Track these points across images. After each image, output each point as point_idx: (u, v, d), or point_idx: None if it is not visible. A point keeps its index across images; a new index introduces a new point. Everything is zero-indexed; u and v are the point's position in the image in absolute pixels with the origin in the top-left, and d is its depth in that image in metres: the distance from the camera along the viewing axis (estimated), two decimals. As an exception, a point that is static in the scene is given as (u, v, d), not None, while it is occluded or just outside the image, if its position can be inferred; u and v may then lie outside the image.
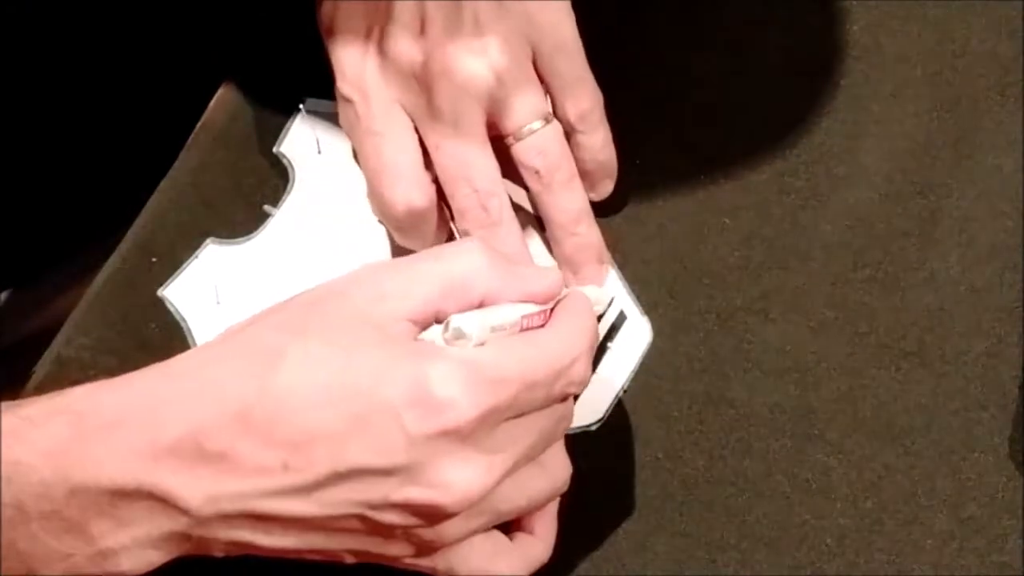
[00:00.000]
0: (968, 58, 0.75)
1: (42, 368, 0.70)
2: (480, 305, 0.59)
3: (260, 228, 0.72)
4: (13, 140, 0.82)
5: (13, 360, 0.78)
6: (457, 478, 0.56)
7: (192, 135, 0.74)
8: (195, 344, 0.70)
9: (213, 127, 0.74)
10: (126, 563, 0.56)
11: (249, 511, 0.56)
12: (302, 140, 0.73)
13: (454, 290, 0.58)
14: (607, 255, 0.70)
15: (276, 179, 0.73)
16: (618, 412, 0.69)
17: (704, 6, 0.76)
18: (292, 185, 0.72)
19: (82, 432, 0.55)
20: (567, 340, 0.60)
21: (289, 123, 0.73)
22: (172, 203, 0.72)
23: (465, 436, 0.56)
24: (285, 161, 0.73)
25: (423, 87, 0.65)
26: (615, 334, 0.70)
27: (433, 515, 0.56)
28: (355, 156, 0.71)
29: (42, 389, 0.69)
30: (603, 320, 0.70)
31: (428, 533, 0.57)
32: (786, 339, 0.70)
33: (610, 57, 0.75)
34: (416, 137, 0.67)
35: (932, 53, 0.75)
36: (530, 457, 0.59)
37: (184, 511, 0.55)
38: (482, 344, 0.57)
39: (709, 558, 0.67)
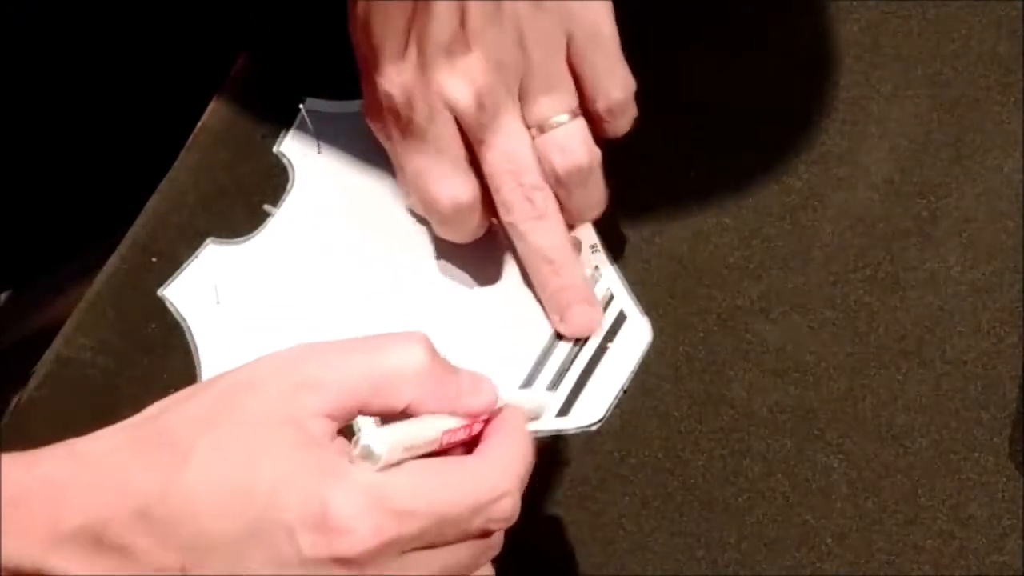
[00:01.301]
0: (968, 58, 0.75)
1: (42, 368, 0.70)
2: (406, 408, 0.56)
3: (260, 228, 0.72)
4: (13, 140, 0.82)
5: (13, 360, 0.78)
6: None
7: (192, 135, 0.74)
8: (195, 344, 0.70)
9: (213, 127, 0.74)
10: None
11: None
12: (302, 140, 0.73)
13: (381, 388, 0.55)
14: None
15: (276, 179, 0.73)
16: (618, 412, 0.69)
17: (703, 6, 0.76)
18: (292, 185, 0.72)
19: None
20: (494, 472, 0.56)
21: (289, 123, 0.73)
22: (172, 203, 0.72)
23: (362, 563, 0.53)
24: (285, 161, 0.73)
25: (464, 84, 0.65)
26: (615, 334, 0.70)
27: None
28: (352, 155, 0.71)
29: (42, 389, 0.69)
30: (603, 320, 0.70)
31: None
32: (786, 339, 0.70)
33: (610, 57, 0.75)
34: (459, 132, 0.67)
35: (932, 53, 0.75)
36: None
37: None
38: (394, 463, 0.54)
39: (709, 558, 0.67)
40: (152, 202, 0.73)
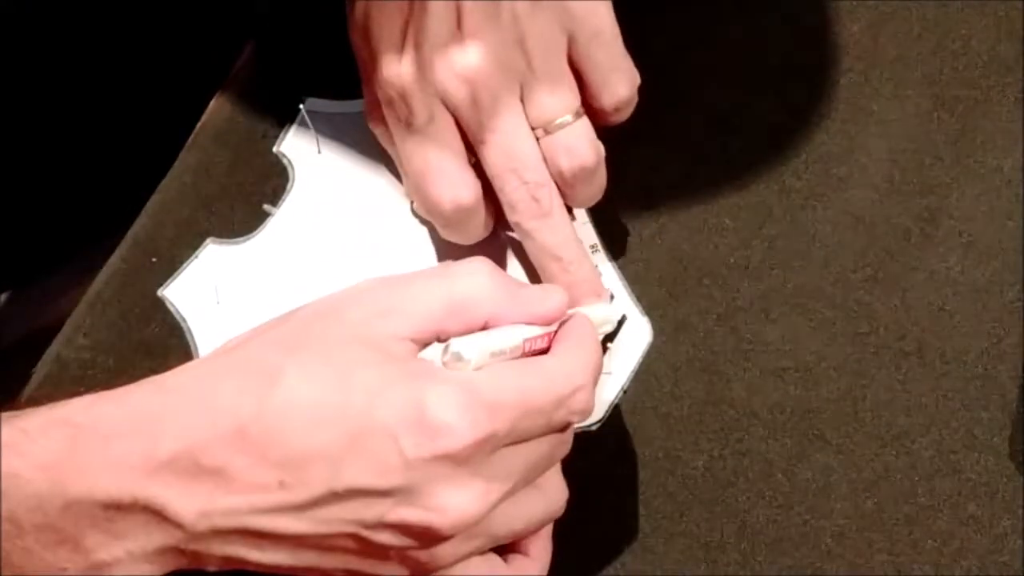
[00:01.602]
0: (968, 58, 0.75)
1: (42, 368, 0.70)
2: (484, 326, 0.59)
3: (260, 228, 0.72)
4: (13, 141, 0.82)
5: (13, 360, 0.78)
6: (452, 502, 0.56)
7: (192, 135, 0.74)
8: (195, 344, 0.70)
9: (213, 127, 0.74)
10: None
11: (243, 527, 0.56)
12: (302, 140, 0.73)
13: (458, 310, 0.58)
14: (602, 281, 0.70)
15: (276, 179, 0.72)
16: (618, 412, 0.69)
17: (704, 6, 0.76)
18: (292, 185, 0.72)
19: (78, 445, 0.55)
20: (570, 368, 0.59)
21: (289, 123, 0.73)
22: (172, 203, 0.72)
23: (462, 460, 0.55)
24: (285, 161, 0.73)
25: (462, 82, 0.65)
26: (615, 334, 0.70)
27: (427, 537, 0.56)
28: (352, 155, 0.71)
29: (42, 389, 0.69)
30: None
31: (422, 555, 0.57)
32: (786, 339, 0.70)
33: (610, 57, 0.75)
34: (459, 133, 0.67)
35: (932, 53, 0.75)
36: (527, 482, 0.59)
37: (178, 525, 0.55)
38: (481, 368, 0.57)
39: (709, 558, 0.67)
40: (152, 202, 0.73)
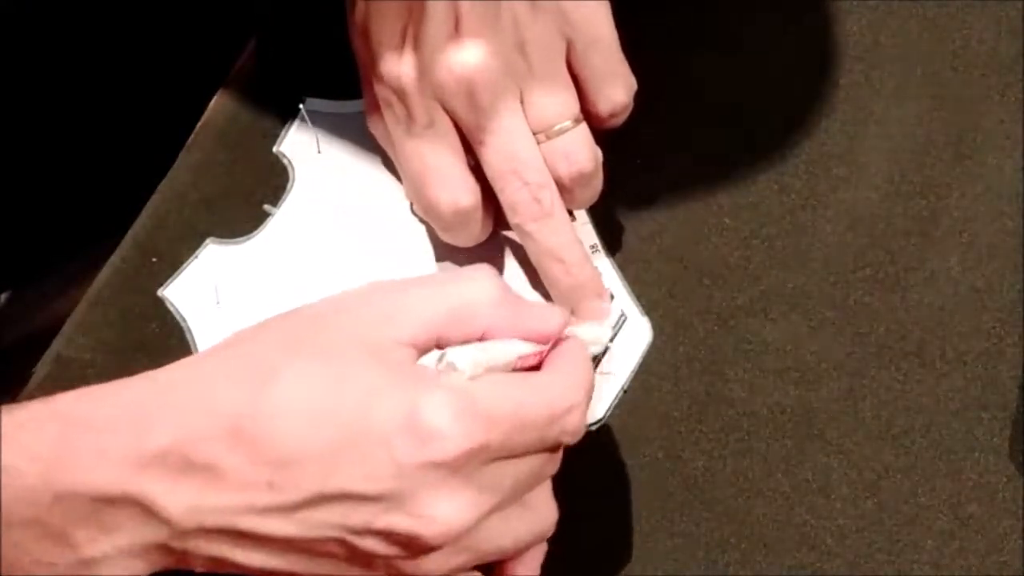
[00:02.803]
0: (968, 58, 0.75)
1: (42, 368, 0.70)
2: (482, 337, 0.59)
3: (260, 228, 0.72)
4: (13, 141, 0.82)
5: (13, 360, 0.78)
6: (441, 511, 0.55)
7: (192, 135, 0.74)
8: (195, 344, 0.70)
9: (213, 127, 0.74)
10: (107, 573, 0.56)
11: (231, 527, 0.55)
12: (302, 140, 0.73)
13: (459, 318, 0.58)
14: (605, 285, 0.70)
15: (276, 179, 0.73)
16: (618, 412, 0.69)
17: (704, 6, 0.76)
18: (292, 185, 0.72)
19: (70, 437, 0.55)
20: (565, 387, 0.59)
21: (289, 123, 0.73)
22: (172, 203, 0.72)
23: (454, 469, 0.55)
24: (285, 161, 0.73)
25: (461, 83, 0.65)
26: (615, 335, 0.70)
27: (414, 546, 0.56)
28: (352, 155, 0.71)
29: (42, 389, 0.69)
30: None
31: (408, 565, 0.56)
32: (786, 339, 0.70)
33: (610, 57, 0.75)
34: (458, 135, 0.67)
35: (932, 53, 0.75)
36: (516, 498, 0.58)
37: (166, 521, 0.55)
38: (474, 379, 0.57)
39: (709, 558, 0.67)
40: (152, 202, 0.73)
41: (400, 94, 0.66)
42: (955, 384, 0.70)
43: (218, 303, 0.70)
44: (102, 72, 0.83)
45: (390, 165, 0.72)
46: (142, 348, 0.70)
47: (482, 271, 0.60)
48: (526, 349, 0.59)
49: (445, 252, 0.71)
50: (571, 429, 0.59)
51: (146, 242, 0.72)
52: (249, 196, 0.72)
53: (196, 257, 0.71)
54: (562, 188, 0.67)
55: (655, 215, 0.73)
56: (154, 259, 0.71)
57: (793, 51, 0.75)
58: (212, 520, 0.55)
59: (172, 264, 0.71)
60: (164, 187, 0.73)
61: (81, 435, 0.55)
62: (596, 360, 0.69)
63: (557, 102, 0.66)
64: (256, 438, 0.55)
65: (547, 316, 0.60)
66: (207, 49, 0.78)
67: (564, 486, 0.68)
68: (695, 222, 0.72)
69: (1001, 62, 0.75)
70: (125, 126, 0.85)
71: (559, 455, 0.60)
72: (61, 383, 0.70)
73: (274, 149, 0.73)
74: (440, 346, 0.58)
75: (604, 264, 0.71)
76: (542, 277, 0.68)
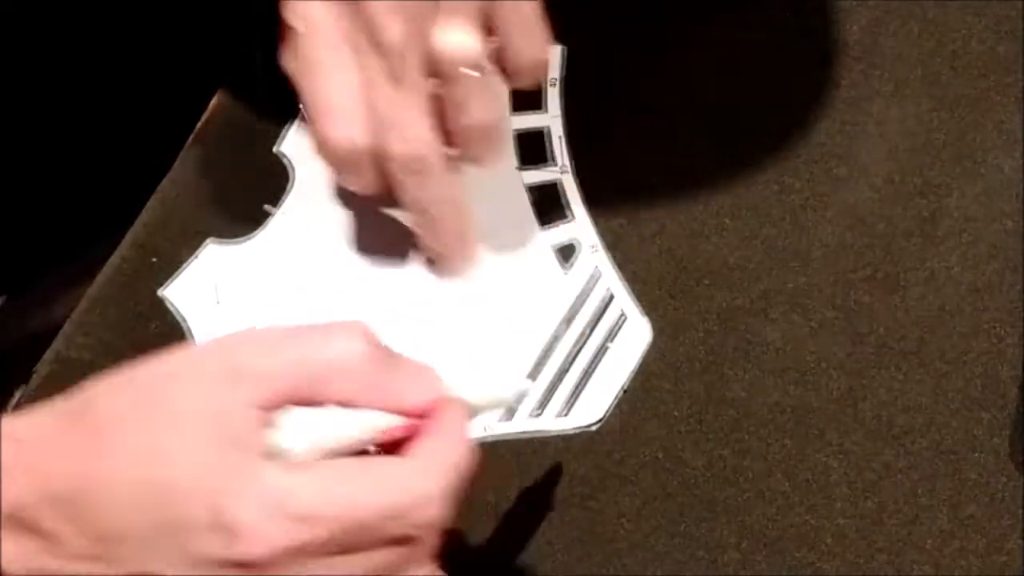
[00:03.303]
0: (968, 58, 0.75)
1: (42, 368, 0.70)
2: (340, 402, 0.54)
3: (260, 228, 0.72)
4: (13, 141, 0.82)
5: (13, 360, 0.78)
6: None
7: (192, 135, 0.74)
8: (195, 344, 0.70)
9: (213, 127, 0.74)
10: None
11: None
12: (302, 140, 0.73)
13: (315, 379, 0.54)
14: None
15: (276, 179, 0.73)
16: (618, 412, 0.69)
17: (703, 7, 0.76)
18: (292, 185, 0.72)
19: None
20: (418, 476, 0.54)
21: (289, 123, 0.73)
22: (172, 203, 0.72)
23: (262, 567, 0.52)
24: (285, 161, 0.73)
25: (369, 21, 0.64)
26: (615, 334, 0.70)
27: None
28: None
29: (42, 389, 0.69)
30: (603, 320, 0.70)
31: None
32: (786, 339, 0.70)
33: (610, 57, 0.75)
34: (360, 73, 0.65)
35: (932, 53, 0.75)
36: None
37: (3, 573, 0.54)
38: (311, 460, 0.53)
39: (709, 558, 0.67)
40: (152, 202, 0.73)
41: (308, 22, 0.64)
42: (955, 384, 0.70)
43: (218, 303, 0.70)
44: (102, 72, 0.83)
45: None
46: (142, 348, 0.69)
47: (352, 328, 0.55)
48: (388, 422, 0.55)
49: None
50: (423, 523, 0.54)
51: (146, 242, 0.72)
52: (249, 196, 0.72)
53: (196, 257, 0.71)
54: (459, 137, 0.65)
55: (655, 215, 0.73)
56: (154, 259, 0.71)
57: (793, 51, 0.75)
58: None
59: (172, 264, 0.71)
60: (164, 187, 0.73)
61: None
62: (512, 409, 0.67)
63: (462, 46, 0.64)
64: (85, 509, 0.53)
65: (417, 385, 0.56)
66: (207, 49, 0.78)
67: (564, 486, 0.68)
68: (695, 222, 0.72)
69: (1001, 62, 0.75)
70: (125, 126, 0.85)
71: (425, 544, 0.55)
72: (61, 383, 0.69)
73: (274, 149, 0.73)
74: (297, 403, 0.54)
75: (604, 264, 0.71)
76: (415, 231, 0.67)
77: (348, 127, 0.64)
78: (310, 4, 0.64)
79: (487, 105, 0.65)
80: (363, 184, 0.66)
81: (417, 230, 0.68)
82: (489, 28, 0.65)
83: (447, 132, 0.66)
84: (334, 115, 0.65)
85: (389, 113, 0.64)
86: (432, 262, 0.69)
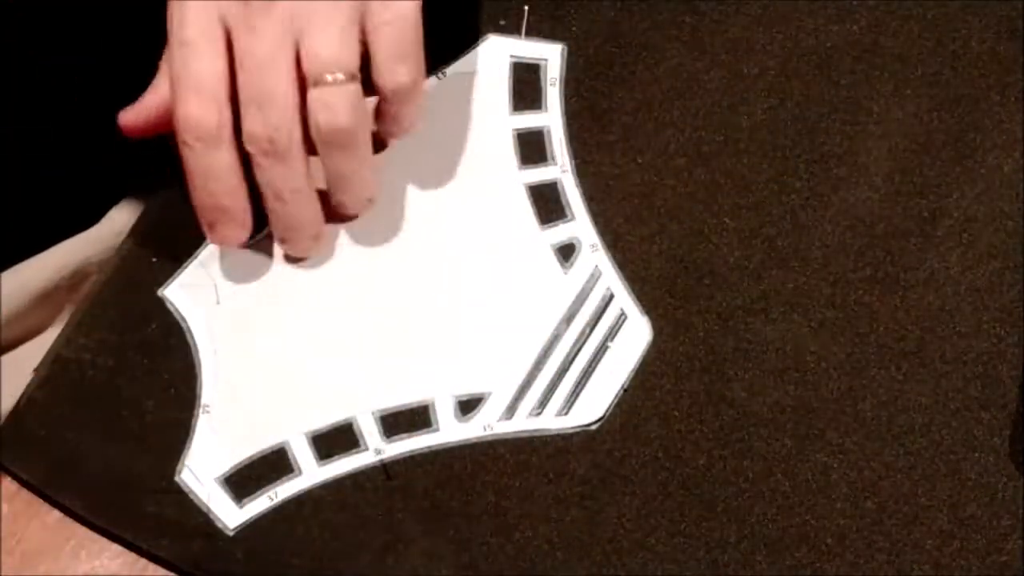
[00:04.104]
0: (968, 58, 0.75)
1: (42, 368, 0.70)
2: None
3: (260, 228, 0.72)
4: (13, 141, 0.82)
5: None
6: None
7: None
8: (195, 344, 0.70)
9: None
10: None
11: None
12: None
13: None
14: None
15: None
16: (618, 412, 0.69)
17: (704, 7, 0.76)
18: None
19: None
20: None
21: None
22: (172, 203, 0.72)
23: None
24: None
25: (246, 10, 0.64)
26: (615, 334, 0.70)
27: None
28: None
29: (42, 389, 0.69)
30: (603, 319, 0.70)
31: None
32: (786, 339, 0.70)
33: (610, 57, 0.75)
34: (227, 53, 0.65)
35: (932, 53, 0.75)
36: None
37: None
38: None
39: (709, 558, 0.67)
40: (152, 202, 0.73)
41: (178, 4, 0.65)
42: (955, 384, 0.70)
43: (218, 303, 0.70)
44: (102, 72, 0.83)
45: (389, 164, 0.72)
46: (142, 348, 0.70)
47: None
48: None
49: (445, 251, 0.71)
50: None
51: (146, 242, 0.72)
52: (249, 196, 0.72)
53: (196, 257, 0.71)
54: (319, 143, 0.66)
55: (655, 215, 0.73)
56: (154, 259, 0.71)
57: (793, 51, 0.75)
58: None
59: (172, 264, 0.71)
60: (164, 187, 0.73)
61: None
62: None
63: (332, 50, 0.64)
64: None
65: None
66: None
67: (564, 486, 0.68)
68: (695, 222, 0.72)
69: (1001, 62, 0.75)
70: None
71: None
72: (61, 383, 0.70)
73: (274, 149, 0.73)
74: None
75: (604, 264, 0.71)
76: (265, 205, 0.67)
77: (201, 105, 0.64)
78: None
79: (347, 110, 0.65)
80: (219, 166, 0.66)
81: (270, 215, 0.68)
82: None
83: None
84: (188, 91, 0.65)
85: (252, 94, 0.64)
86: (282, 242, 0.69)
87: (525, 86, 0.75)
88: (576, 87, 0.75)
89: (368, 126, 0.67)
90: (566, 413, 0.68)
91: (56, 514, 0.68)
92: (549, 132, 0.73)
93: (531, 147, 0.73)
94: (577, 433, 0.67)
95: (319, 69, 0.65)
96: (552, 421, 0.68)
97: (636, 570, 0.67)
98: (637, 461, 0.69)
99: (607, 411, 0.68)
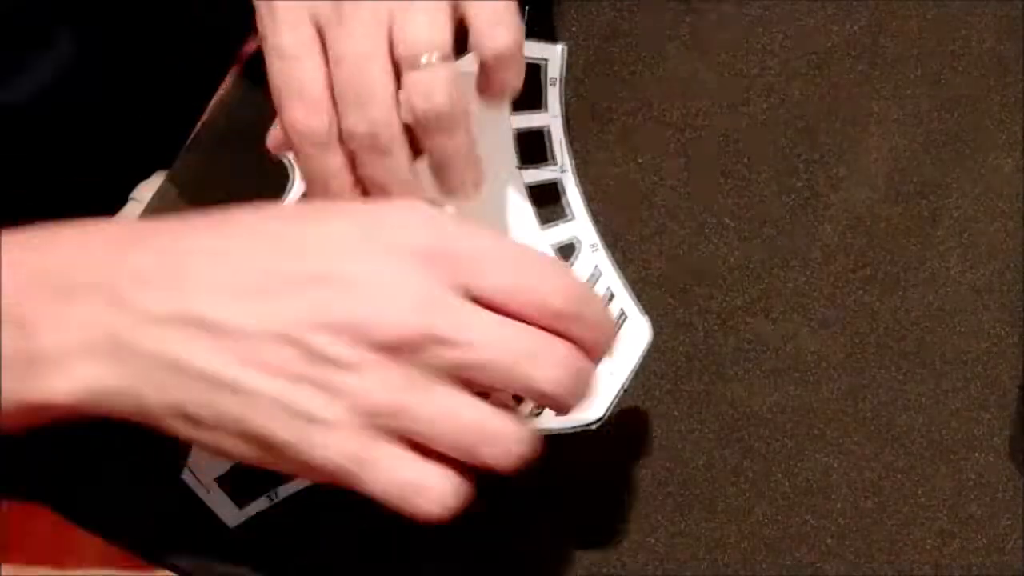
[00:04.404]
0: (968, 58, 0.75)
1: (42, 368, 0.70)
2: None
3: (260, 228, 0.71)
4: (13, 141, 0.82)
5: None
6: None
7: (192, 135, 0.74)
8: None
9: (213, 127, 0.74)
10: (56, 378, 0.57)
11: (193, 315, 0.57)
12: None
13: None
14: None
15: (276, 179, 0.72)
16: (618, 412, 0.69)
17: (704, 6, 0.76)
18: (292, 185, 0.72)
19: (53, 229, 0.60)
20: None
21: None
22: (173, 203, 0.72)
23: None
24: (285, 161, 0.73)
25: (336, 6, 0.63)
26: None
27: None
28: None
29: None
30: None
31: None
32: (786, 339, 0.70)
33: (610, 57, 0.75)
34: (324, 55, 0.64)
35: (932, 53, 0.75)
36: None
37: (130, 307, 0.57)
38: None
39: (709, 558, 0.67)
40: (153, 202, 0.73)
41: (268, 6, 0.64)
42: (955, 384, 0.70)
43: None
44: (102, 72, 0.83)
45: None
46: (142, 348, 0.70)
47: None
48: None
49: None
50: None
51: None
52: (249, 196, 0.72)
53: (196, 257, 0.71)
54: (417, 126, 0.65)
55: (655, 215, 0.73)
56: (154, 259, 0.71)
57: (793, 51, 0.75)
58: (173, 306, 0.57)
59: (172, 264, 0.71)
60: (164, 186, 0.73)
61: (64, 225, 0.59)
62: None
63: (424, 33, 0.64)
64: None
65: None
66: (207, 49, 0.78)
67: (564, 486, 0.68)
68: (695, 222, 0.72)
69: (1001, 62, 0.75)
70: (126, 125, 0.85)
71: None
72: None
73: (274, 149, 0.73)
74: None
75: (604, 264, 0.71)
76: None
77: (308, 113, 0.64)
78: None
79: (445, 92, 0.64)
80: (322, 172, 0.66)
81: None
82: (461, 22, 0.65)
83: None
84: (294, 100, 0.64)
85: (350, 92, 0.64)
86: None
87: (525, 86, 0.75)
88: (576, 87, 0.75)
89: (466, 105, 0.66)
90: (566, 414, 0.68)
91: (56, 515, 0.68)
92: (549, 132, 0.73)
93: (531, 147, 0.73)
94: (577, 433, 0.67)
95: (413, 53, 0.64)
96: (552, 421, 0.68)
97: (636, 570, 0.67)
98: (637, 461, 0.69)
99: (607, 411, 0.68)
